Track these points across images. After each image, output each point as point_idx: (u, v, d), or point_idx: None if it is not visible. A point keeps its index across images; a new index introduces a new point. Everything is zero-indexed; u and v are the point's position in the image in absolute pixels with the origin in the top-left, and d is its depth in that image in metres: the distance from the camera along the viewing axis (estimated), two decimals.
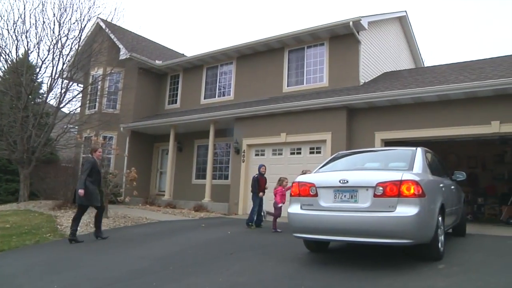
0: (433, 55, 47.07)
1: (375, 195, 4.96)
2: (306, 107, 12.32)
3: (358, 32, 13.28)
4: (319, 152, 12.26)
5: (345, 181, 5.17)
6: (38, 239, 8.11)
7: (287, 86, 14.74)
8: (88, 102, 17.02)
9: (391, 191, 4.89)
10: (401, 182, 4.88)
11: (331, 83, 13.66)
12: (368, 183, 5.05)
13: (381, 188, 4.93)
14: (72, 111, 15.22)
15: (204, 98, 17.30)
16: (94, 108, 17.44)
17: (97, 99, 17.09)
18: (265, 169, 10.23)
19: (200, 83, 17.54)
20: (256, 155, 13.61)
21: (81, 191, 7.82)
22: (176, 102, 18.31)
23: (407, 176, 4.94)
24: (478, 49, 50.84)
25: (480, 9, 56.67)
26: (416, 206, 4.80)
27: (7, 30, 13.59)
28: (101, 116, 16.39)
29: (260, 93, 15.23)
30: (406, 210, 4.78)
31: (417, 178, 4.97)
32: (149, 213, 12.61)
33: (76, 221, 8.05)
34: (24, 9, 13.85)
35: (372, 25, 14.21)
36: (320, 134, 12.08)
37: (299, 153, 12.70)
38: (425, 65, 21.62)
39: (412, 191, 4.83)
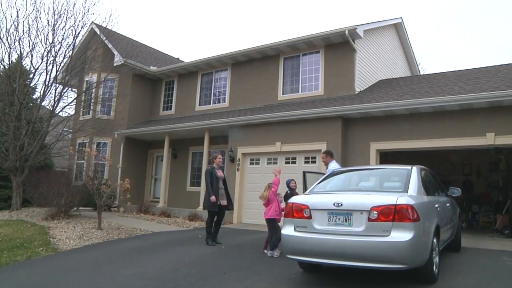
0: (429, 58, 47.18)
1: (369, 219, 4.92)
2: (301, 117, 12.27)
3: (353, 41, 13.27)
4: (314, 162, 12.22)
5: (339, 204, 5.12)
6: (30, 255, 8.00)
7: (283, 94, 14.69)
8: (82, 108, 16.90)
9: (386, 216, 4.84)
10: (395, 206, 4.84)
11: (326, 92, 13.62)
12: (362, 206, 5.01)
13: (375, 212, 4.89)
14: (65, 118, 15.08)
15: (199, 105, 17.22)
16: (88, 114, 17.33)
17: (91, 106, 16.98)
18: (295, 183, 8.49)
19: (195, 90, 17.46)
20: (251, 163, 13.56)
21: (213, 198, 8.47)
22: (171, 108, 18.22)
23: (402, 200, 4.90)
24: (475, 51, 51.03)
25: (477, 12, 56.92)
26: (411, 231, 4.75)
27: (0, 38, 13.47)
28: (95, 122, 16.28)
29: (255, 101, 15.17)
30: (401, 235, 4.74)
31: (412, 202, 4.93)
32: (143, 222, 12.52)
33: (208, 227, 8.85)
34: (17, 16, 13.53)
35: (368, 33, 14.19)
36: (315, 144, 12.03)
37: (294, 162, 12.66)
38: (421, 70, 21.74)
39: (407, 215, 4.79)
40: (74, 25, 14.32)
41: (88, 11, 14.56)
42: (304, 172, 8.81)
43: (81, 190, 12.39)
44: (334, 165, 8.27)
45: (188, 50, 66.14)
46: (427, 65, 50.65)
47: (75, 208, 12.70)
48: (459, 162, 15.33)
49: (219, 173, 9.05)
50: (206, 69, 17.18)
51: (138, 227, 11.29)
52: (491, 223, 13.94)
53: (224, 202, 8.96)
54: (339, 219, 5.14)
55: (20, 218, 12.46)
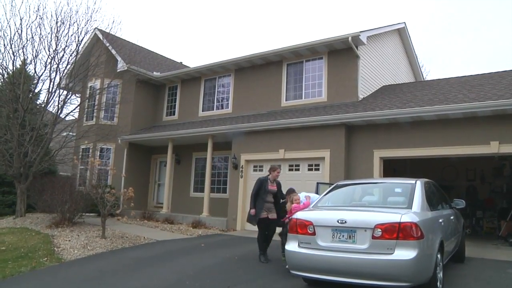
0: (433, 62, 47.05)
1: (373, 237, 4.92)
2: (304, 124, 12.26)
3: (357, 47, 13.26)
4: (318, 169, 12.22)
5: (343, 221, 5.12)
6: (34, 265, 8.01)
7: (286, 100, 14.69)
8: (85, 114, 16.98)
9: (390, 234, 4.85)
10: (399, 224, 4.84)
11: (329, 98, 13.61)
12: (366, 224, 5.01)
13: (379, 230, 4.89)
14: (69, 124, 15.13)
15: (202, 111, 17.25)
16: (92, 119, 17.40)
17: (95, 112, 17.05)
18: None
19: (198, 95, 17.49)
20: (255, 170, 13.56)
21: (252, 211, 8.07)
22: (174, 114, 18.25)
23: (406, 218, 4.89)
24: (478, 56, 50.87)
25: (481, 16, 56.75)
26: (415, 249, 4.76)
27: (4, 45, 13.54)
28: (99, 128, 16.34)
29: (259, 107, 15.18)
30: (405, 254, 4.75)
31: (416, 220, 4.92)
32: (147, 230, 12.54)
33: (259, 241, 8.19)
34: (21, 24, 13.58)
35: (371, 39, 14.18)
36: (319, 151, 12.03)
37: (298, 169, 12.65)
38: (424, 74, 21.67)
39: (411, 233, 4.79)
40: (77, 31, 14.39)
41: (91, 17, 14.63)
42: (317, 183, 8.74)
43: (84, 198, 12.42)
44: (302, 195, 7.74)
45: (191, 55, 66.22)
46: (430, 67, 50.60)
47: (79, 215, 12.73)
48: (463, 168, 15.30)
49: (271, 186, 8.32)
50: (209, 74, 17.20)
51: (142, 235, 11.31)
52: (495, 229, 13.92)
53: (271, 215, 8.19)
54: (343, 236, 5.14)
55: (24, 225, 12.51)
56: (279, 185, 8.51)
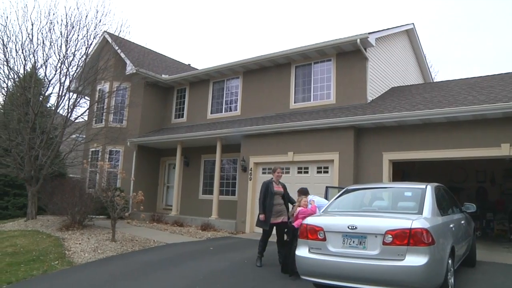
0: (442, 62, 46.74)
1: (384, 243, 4.91)
2: (313, 127, 12.25)
3: (365, 49, 13.22)
4: (327, 172, 12.20)
5: (354, 227, 5.12)
6: (46, 269, 8.10)
7: (294, 102, 14.69)
8: (94, 117, 17.12)
9: (400, 240, 4.83)
10: (410, 230, 4.82)
11: (338, 100, 13.59)
12: (377, 230, 5.00)
13: (390, 236, 4.88)
14: (79, 127, 15.25)
15: (211, 113, 17.30)
16: (101, 122, 17.53)
17: (103, 115, 17.17)
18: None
19: (206, 98, 17.55)
20: (264, 173, 13.56)
21: (261, 216, 7.99)
22: (182, 116, 18.33)
23: (416, 224, 4.87)
24: (487, 56, 50.46)
25: (489, 16, 56.30)
26: (426, 255, 4.74)
27: (16, 50, 13.68)
28: (108, 131, 16.45)
29: (267, 109, 15.20)
30: (416, 260, 4.73)
31: (427, 226, 4.91)
32: (156, 233, 12.60)
33: (260, 244, 8.18)
34: (32, 29, 13.72)
35: (380, 40, 14.12)
36: (328, 154, 12.02)
37: (307, 172, 12.64)
38: (433, 74, 21.54)
39: (422, 239, 4.77)
40: (86, 35, 14.49)
41: (100, 21, 14.69)
42: (326, 187, 8.73)
43: (94, 200, 12.50)
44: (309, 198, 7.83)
45: (199, 56, 66.50)
46: (439, 67, 50.30)
47: (88, 218, 12.82)
48: (472, 169, 15.20)
49: (276, 188, 8.20)
50: (217, 77, 17.25)
51: (151, 238, 11.37)
52: (506, 232, 13.81)
53: (282, 219, 8.06)
54: (353, 242, 5.13)
55: (36, 228, 12.62)
56: (284, 186, 8.46)
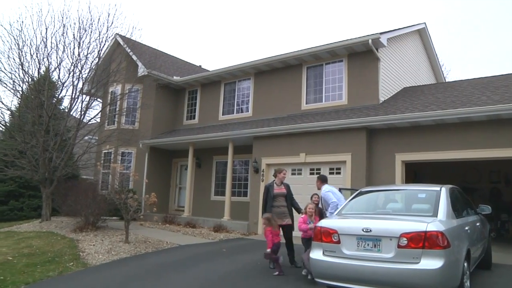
0: (454, 61, 46.29)
1: (399, 246, 4.89)
2: (325, 128, 12.23)
3: (377, 49, 13.16)
4: (339, 173, 12.17)
5: (368, 230, 5.11)
6: (61, 270, 8.18)
7: (306, 103, 14.67)
8: (107, 119, 17.29)
9: (416, 243, 4.81)
10: (425, 233, 4.80)
11: (350, 101, 13.54)
12: (391, 233, 4.98)
13: (405, 239, 4.86)
14: (92, 129, 15.42)
15: (222, 114, 17.35)
16: (113, 124, 17.69)
17: (116, 117, 17.34)
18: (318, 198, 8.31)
19: (218, 99, 17.60)
20: None
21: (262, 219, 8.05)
22: (194, 118, 18.41)
23: (431, 226, 4.85)
24: (500, 53, 49.87)
25: (500, 16, 55.64)
26: (441, 259, 4.71)
27: (30, 54, 13.88)
28: (121, 132, 16.59)
29: (279, 110, 15.20)
30: (431, 263, 4.70)
31: (442, 228, 4.88)
32: (169, 234, 12.67)
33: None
34: (46, 33, 13.91)
35: (391, 40, 14.05)
36: (340, 155, 11.99)
37: (319, 173, 12.61)
38: (445, 73, 21.34)
39: (437, 242, 4.74)
40: (98, 38, 14.65)
41: (111, 24, 14.84)
42: (339, 189, 8.71)
43: (107, 202, 12.61)
44: (326, 188, 7.92)
45: (210, 57, 66.70)
46: (451, 66, 49.83)
47: (102, 219, 12.94)
48: (486, 170, 15.05)
49: (276, 189, 8.20)
50: (228, 78, 17.30)
51: (164, 239, 11.43)
52: None
53: (286, 221, 8.07)
54: (368, 244, 5.12)
55: (50, 229, 12.77)
56: (288, 187, 8.42)
